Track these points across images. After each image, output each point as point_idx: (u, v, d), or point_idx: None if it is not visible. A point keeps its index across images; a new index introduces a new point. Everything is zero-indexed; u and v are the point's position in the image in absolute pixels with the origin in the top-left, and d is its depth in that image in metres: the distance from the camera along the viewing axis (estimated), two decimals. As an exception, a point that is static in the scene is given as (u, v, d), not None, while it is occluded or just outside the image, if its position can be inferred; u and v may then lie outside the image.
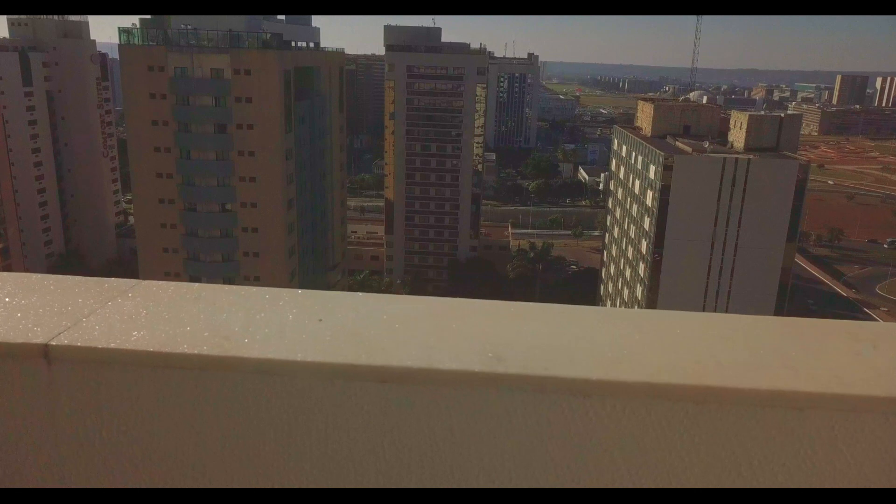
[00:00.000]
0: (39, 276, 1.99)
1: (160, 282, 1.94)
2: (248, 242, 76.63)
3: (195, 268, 77.07)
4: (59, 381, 1.58)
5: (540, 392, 1.49)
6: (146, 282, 1.94)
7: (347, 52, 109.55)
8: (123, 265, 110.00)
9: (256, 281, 76.95)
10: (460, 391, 1.51)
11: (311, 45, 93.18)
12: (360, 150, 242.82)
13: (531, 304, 1.86)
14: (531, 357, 1.55)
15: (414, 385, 1.52)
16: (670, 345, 1.64)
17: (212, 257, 77.17)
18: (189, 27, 75.11)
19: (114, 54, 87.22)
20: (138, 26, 76.03)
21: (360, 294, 1.90)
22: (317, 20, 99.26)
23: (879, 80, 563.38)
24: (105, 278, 1.99)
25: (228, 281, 77.12)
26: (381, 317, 1.75)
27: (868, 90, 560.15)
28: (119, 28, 74.42)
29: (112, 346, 1.57)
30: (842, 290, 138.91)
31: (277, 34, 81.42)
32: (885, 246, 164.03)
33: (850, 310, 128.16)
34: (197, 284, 1.94)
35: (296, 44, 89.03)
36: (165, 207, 75.94)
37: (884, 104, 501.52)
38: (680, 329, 1.74)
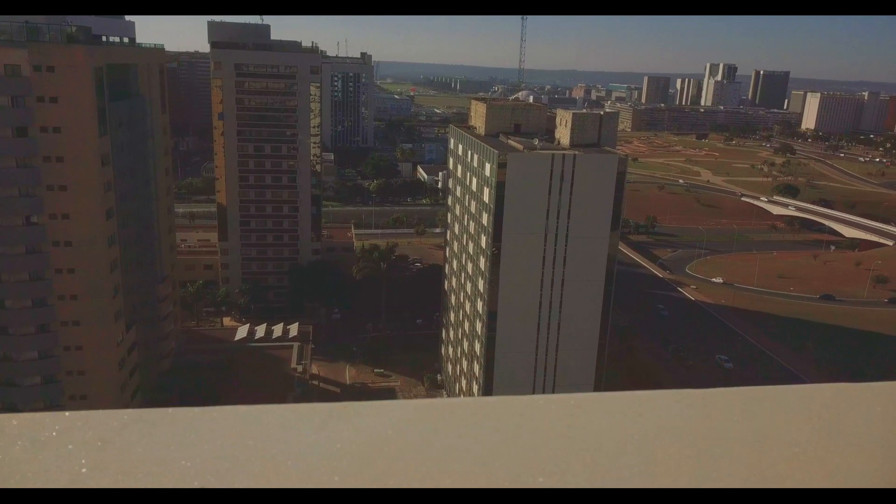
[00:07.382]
0: None
1: (55, 414, 1.04)
2: (61, 258, 68.97)
3: (-3, 290, 67.96)
4: None
5: None
6: (27, 416, 1.00)
7: (168, 48, 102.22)
8: None
9: (74, 300, 69.53)
10: None
11: (126, 40, 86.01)
12: (188, 152, 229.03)
13: (637, 393, 1.37)
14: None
15: None
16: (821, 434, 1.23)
17: (17, 277, 68.45)
18: (-25, 18, 66.12)
19: None
20: None
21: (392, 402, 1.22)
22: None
23: (679, 81, 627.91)
24: None
25: (39, 303, 68.80)
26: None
27: (670, 90, 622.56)
28: None
29: None
30: (658, 272, 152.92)
31: (85, 28, 74.12)
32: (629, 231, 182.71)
33: (667, 290, 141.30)
34: (125, 412, 1.14)
35: (107, 38, 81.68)
36: (-46, 223, 66.28)
37: (683, 103, 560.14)
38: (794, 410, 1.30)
